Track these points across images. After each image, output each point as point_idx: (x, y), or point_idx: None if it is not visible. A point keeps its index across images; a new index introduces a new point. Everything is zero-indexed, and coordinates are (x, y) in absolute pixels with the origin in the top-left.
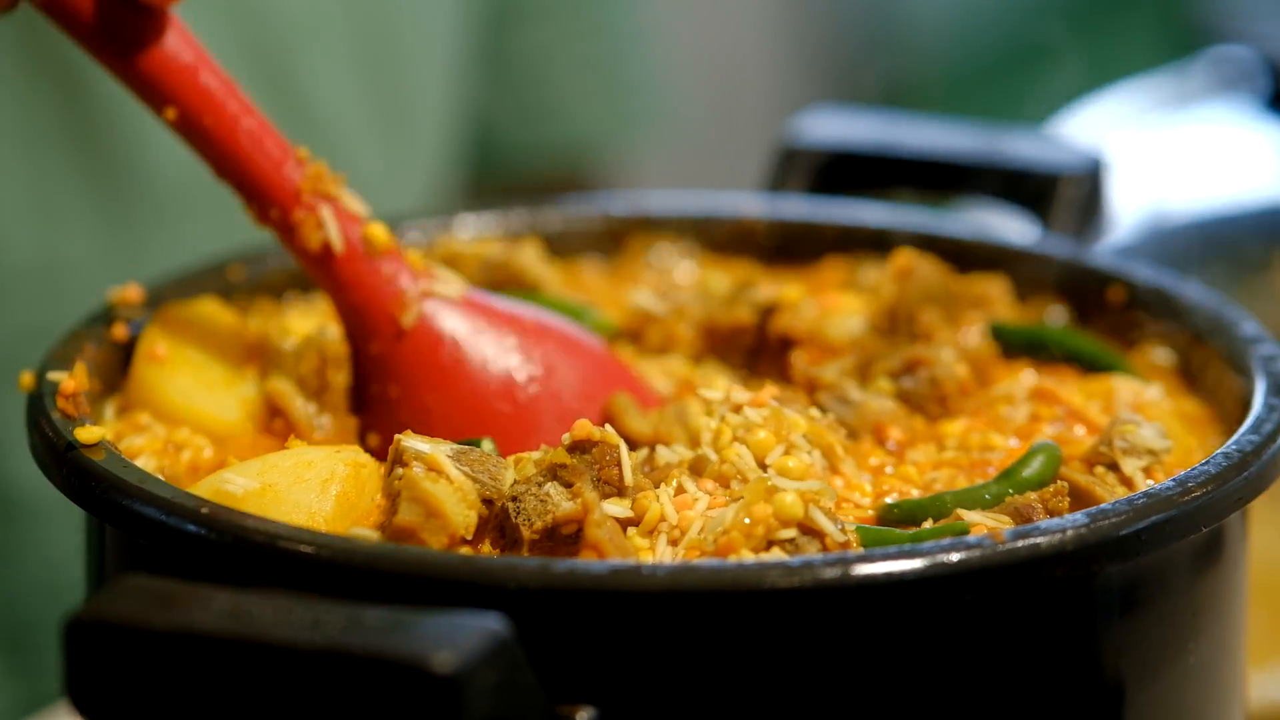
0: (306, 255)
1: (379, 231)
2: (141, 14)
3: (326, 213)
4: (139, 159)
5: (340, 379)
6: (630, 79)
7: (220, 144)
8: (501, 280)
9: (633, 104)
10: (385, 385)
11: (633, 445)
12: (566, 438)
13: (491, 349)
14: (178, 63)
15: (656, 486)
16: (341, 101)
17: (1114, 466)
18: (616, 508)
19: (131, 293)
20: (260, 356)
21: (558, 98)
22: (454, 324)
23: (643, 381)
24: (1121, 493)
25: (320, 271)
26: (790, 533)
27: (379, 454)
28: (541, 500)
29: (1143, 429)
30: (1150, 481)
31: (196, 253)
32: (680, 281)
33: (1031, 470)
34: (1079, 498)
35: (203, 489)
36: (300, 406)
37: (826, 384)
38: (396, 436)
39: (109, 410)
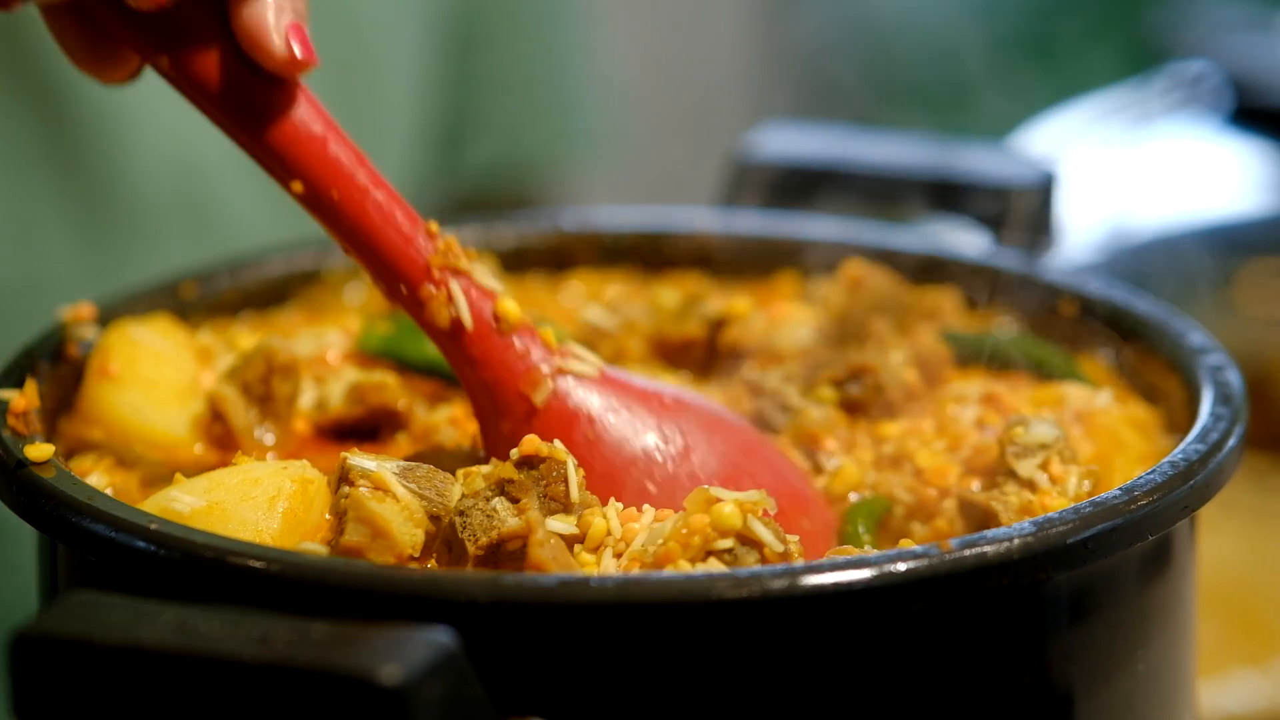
0: (436, 332)
1: (511, 307)
2: (271, 83)
3: (457, 288)
4: (119, 179)
5: (286, 389)
6: (572, 99)
7: (349, 218)
8: None
9: (574, 124)
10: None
11: None
12: (514, 453)
13: (628, 428)
14: (307, 133)
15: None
16: None
17: (1013, 474)
18: (561, 524)
19: (84, 310)
20: (209, 370)
21: (507, 117)
22: (589, 402)
23: (784, 457)
24: (1024, 497)
25: (451, 348)
26: (728, 543)
27: None
28: (488, 516)
29: (1032, 427)
30: (1046, 477)
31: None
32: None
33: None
34: (980, 517)
35: (149, 507)
36: (241, 412)
37: (768, 390)
38: (342, 454)
39: (60, 428)
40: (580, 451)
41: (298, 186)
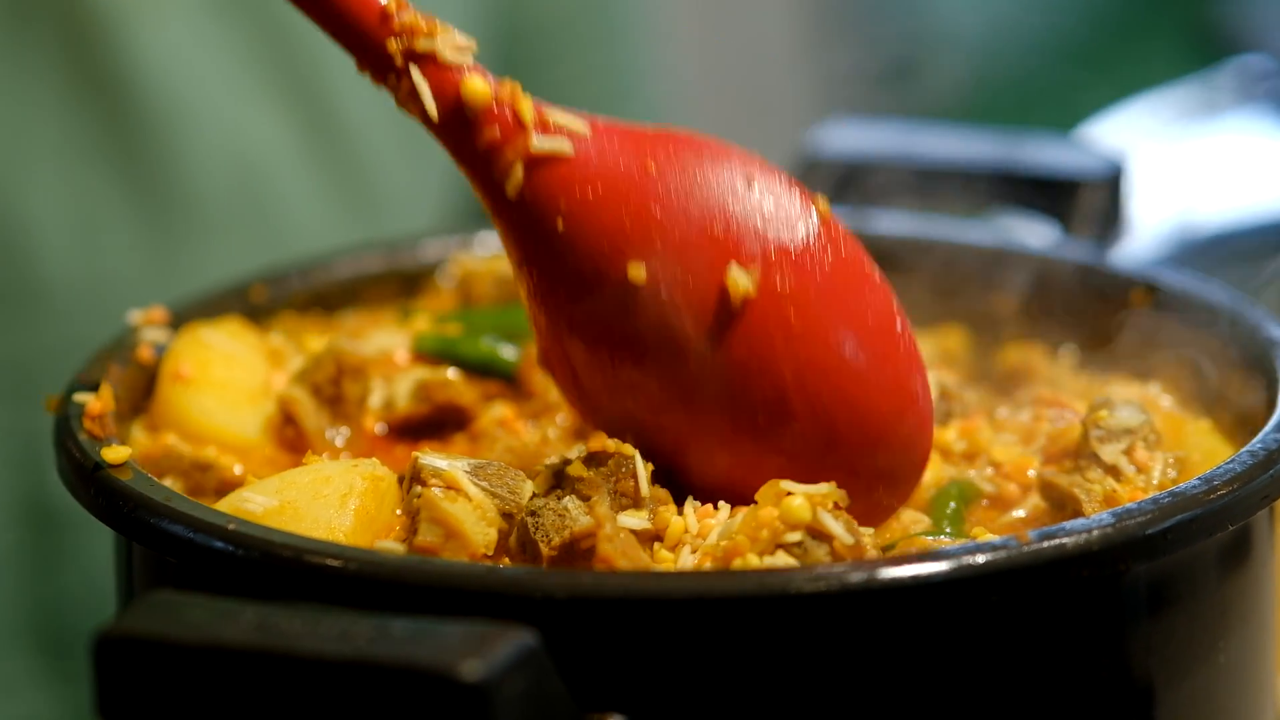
0: (424, 125)
1: (477, 87)
2: None
3: (419, 77)
4: (179, 176)
5: (356, 390)
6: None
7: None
8: (515, 296)
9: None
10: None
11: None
12: (582, 449)
13: (614, 195)
14: None
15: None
16: (370, 117)
17: (1096, 458)
18: (633, 520)
19: (156, 314)
20: (280, 372)
21: None
22: (566, 186)
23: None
24: (1108, 486)
25: (439, 139)
26: (797, 536)
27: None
28: (559, 515)
29: (1117, 410)
30: (1130, 464)
31: (235, 271)
32: None
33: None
34: (1060, 500)
35: (222, 508)
36: (313, 414)
37: None
38: (414, 454)
39: (135, 431)
40: (554, 238)
41: None
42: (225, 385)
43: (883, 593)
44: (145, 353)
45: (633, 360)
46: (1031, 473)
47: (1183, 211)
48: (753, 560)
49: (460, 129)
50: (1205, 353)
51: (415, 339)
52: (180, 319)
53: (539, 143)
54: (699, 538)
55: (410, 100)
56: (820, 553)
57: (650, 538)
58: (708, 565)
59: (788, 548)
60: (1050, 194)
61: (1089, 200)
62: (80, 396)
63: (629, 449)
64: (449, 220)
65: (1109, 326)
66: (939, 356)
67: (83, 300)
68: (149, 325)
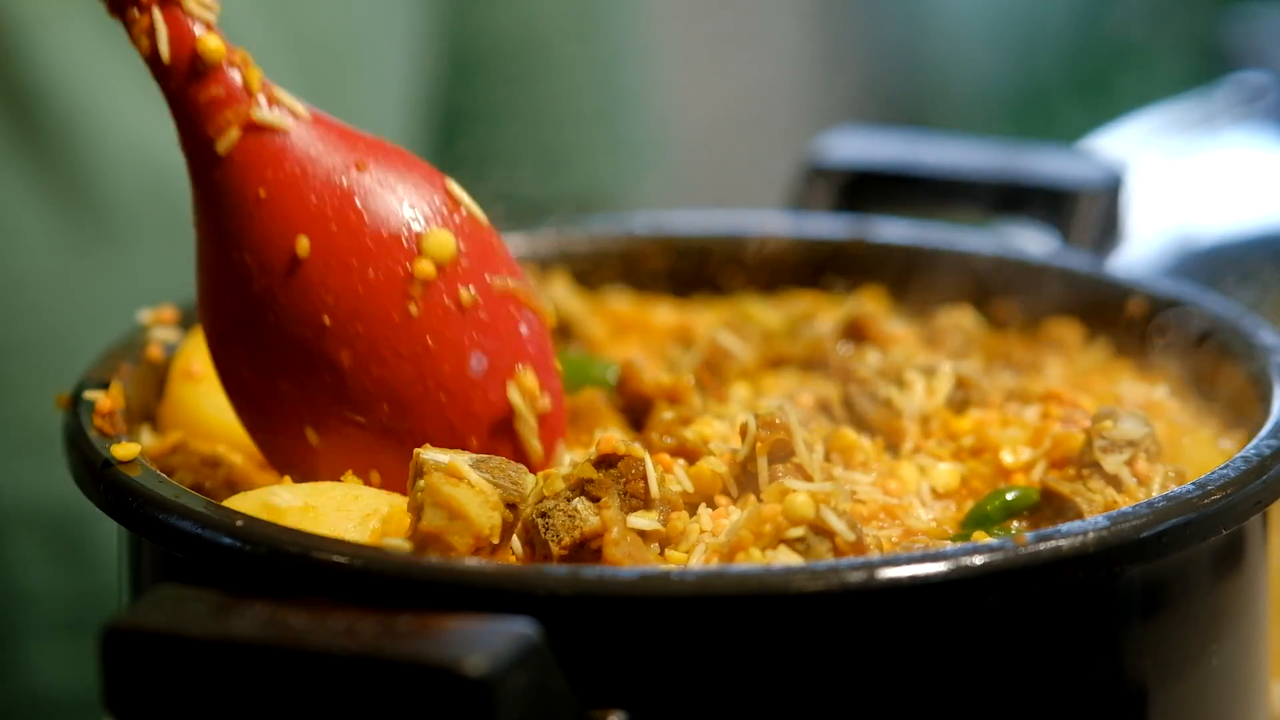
0: (147, 62)
1: (212, 44)
2: None
3: (159, 16)
4: (91, 180)
5: None
6: (634, 134)
7: None
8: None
9: (636, 158)
10: (197, 220)
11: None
12: (592, 452)
13: (317, 179)
14: None
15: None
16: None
17: (1099, 467)
18: (643, 520)
19: (166, 313)
20: None
21: (565, 152)
22: (280, 154)
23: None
24: (1109, 496)
25: (159, 80)
26: (800, 531)
27: None
28: (569, 516)
29: (1121, 421)
30: (1132, 476)
31: (153, 273)
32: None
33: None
34: (1059, 507)
35: (248, 500)
36: None
37: (859, 379)
38: (415, 450)
39: (145, 428)
40: (254, 205)
41: None
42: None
43: (882, 592)
44: (155, 351)
45: (280, 334)
46: (1035, 475)
47: (1182, 224)
48: (756, 555)
49: (187, 79)
50: (1202, 361)
51: None
52: (190, 318)
53: (262, 113)
54: (712, 535)
55: (144, 36)
56: (822, 548)
57: (661, 540)
58: (714, 562)
59: (790, 543)
60: (1050, 204)
61: (1088, 210)
62: (90, 394)
63: (639, 451)
64: None
65: (1106, 335)
66: (961, 340)
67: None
68: (159, 324)
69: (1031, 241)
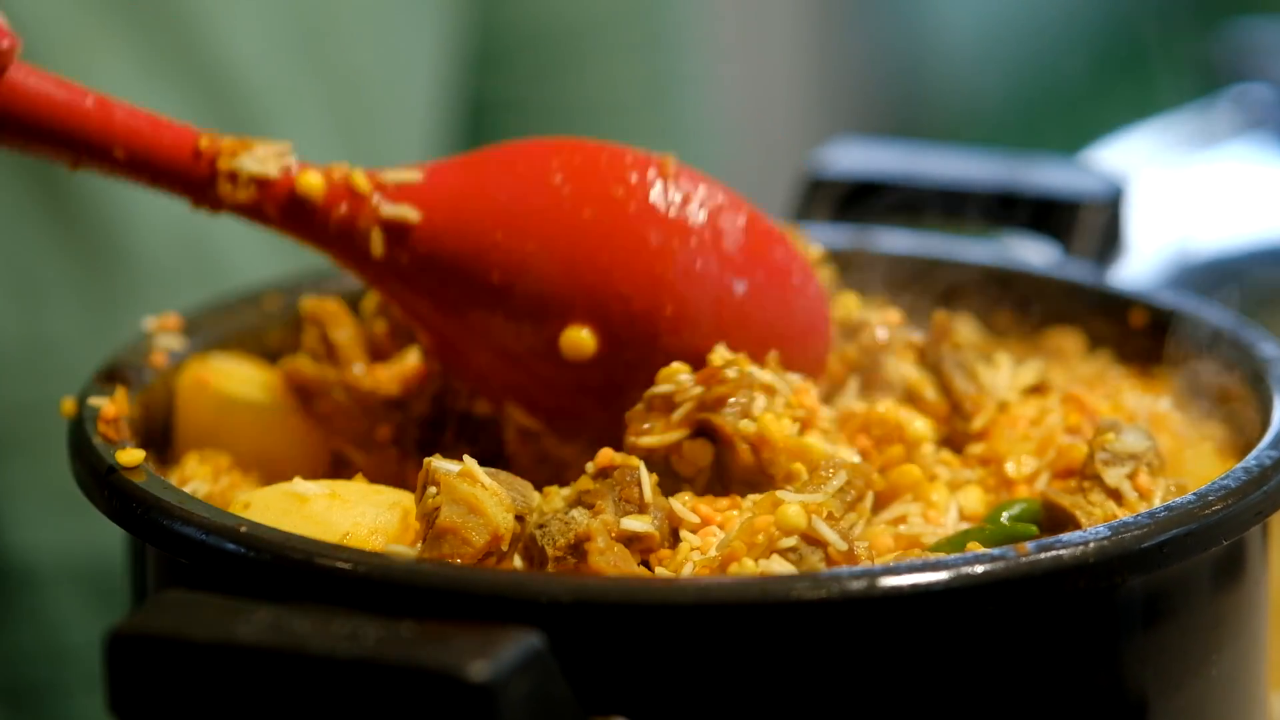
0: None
1: (312, 182)
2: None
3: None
4: (120, 236)
5: (343, 335)
6: (683, 123)
7: (142, 168)
8: None
9: (686, 148)
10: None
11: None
12: (590, 466)
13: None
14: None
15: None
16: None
17: (1100, 480)
18: (637, 523)
19: (170, 320)
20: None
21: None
22: (414, 240)
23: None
24: (1109, 509)
25: (294, 237)
26: (792, 541)
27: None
28: (565, 523)
29: (1123, 434)
30: (1133, 490)
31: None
32: None
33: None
34: (1060, 519)
35: (272, 491)
36: (317, 369)
37: (956, 342)
38: (425, 460)
39: (149, 434)
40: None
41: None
42: (242, 391)
43: (883, 601)
44: (159, 359)
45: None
46: (1039, 485)
47: (1182, 236)
48: (749, 565)
49: (308, 221)
50: (1202, 372)
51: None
52: (193, 327)
53: (386, 209)
54: (700, 551)
55: (253, 215)
56: (815, 559)
57: (646, 539)
58: (707, 573)
59: (783, 553)
60: (1051, 215)
61: (1089, 221)
62: (95, 400)
63: (635, 460)
64: None
65: (1106, 346)
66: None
67: (25, 363)
68: (163, 331)
69: (1032, 253)
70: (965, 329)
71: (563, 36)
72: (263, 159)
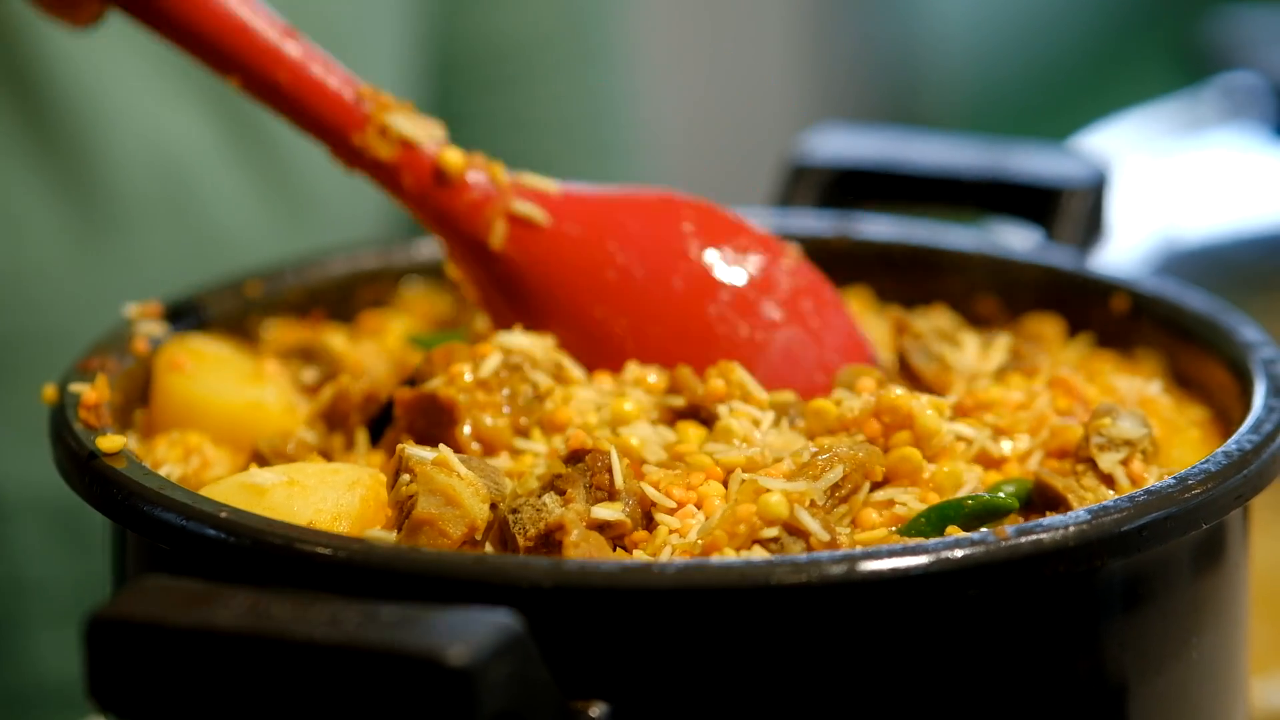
0: (405, 196)
1: (453, 159)
2: None
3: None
4: (99, 168)
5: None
6: (616, 139)
7: (291, 101)
8: None
9: (618, 163)
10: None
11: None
12: (561, 449)
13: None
14: (238, 24)
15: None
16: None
17: (1094, 465)
18: (607, 511)
19: (150, 308)
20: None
21: (545, 159)
22: (541, 242)
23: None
24: (1103, 492)
25: (419, 207)
26: (774, 532)
27: None
28: (536, 510)
29: (1119, 420)
30: (1126, 476)
31: (161, 265)
32: None
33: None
34: (1049, 501)
35: (229, 484)
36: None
37: (913, 330)
38: (399, 447)
39: (131, 421)
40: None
41: (235, 80)
42: (221, 373)
43: (862, 585)
44: (141, 345)
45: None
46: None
47: (1166, 223)
48: (730, 555)
49: (438, 195)
50: (1183, 357)
51: (411, 338)
52: (173, 313)
53: (519, 205)
54: (679, 535)
55: (385, 177)
56: (796, 548)
57: (617, 527)
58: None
59: (764, 543)
60: (1034, 201)
61: (1073, 207)
62: (76, 386)
63: (605, 445)
64: (384, 226)
65: (1088, 331)
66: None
67: (8, 293)
68: (144, 318)
69: (1016, 238)
70: (940, 318)
71: (508, 53)
72: (416, 123)
